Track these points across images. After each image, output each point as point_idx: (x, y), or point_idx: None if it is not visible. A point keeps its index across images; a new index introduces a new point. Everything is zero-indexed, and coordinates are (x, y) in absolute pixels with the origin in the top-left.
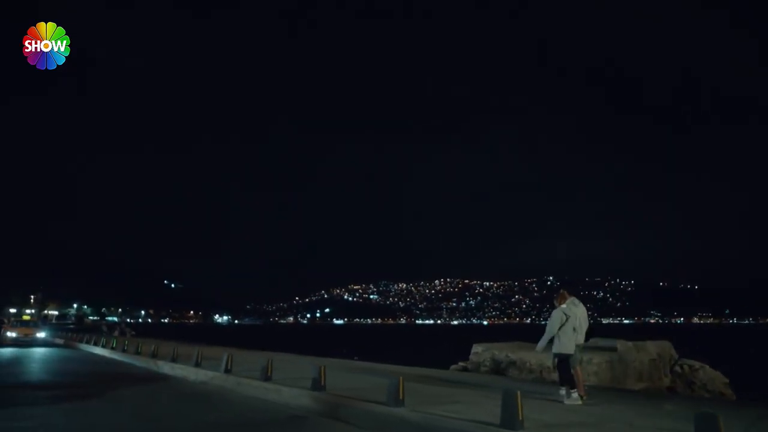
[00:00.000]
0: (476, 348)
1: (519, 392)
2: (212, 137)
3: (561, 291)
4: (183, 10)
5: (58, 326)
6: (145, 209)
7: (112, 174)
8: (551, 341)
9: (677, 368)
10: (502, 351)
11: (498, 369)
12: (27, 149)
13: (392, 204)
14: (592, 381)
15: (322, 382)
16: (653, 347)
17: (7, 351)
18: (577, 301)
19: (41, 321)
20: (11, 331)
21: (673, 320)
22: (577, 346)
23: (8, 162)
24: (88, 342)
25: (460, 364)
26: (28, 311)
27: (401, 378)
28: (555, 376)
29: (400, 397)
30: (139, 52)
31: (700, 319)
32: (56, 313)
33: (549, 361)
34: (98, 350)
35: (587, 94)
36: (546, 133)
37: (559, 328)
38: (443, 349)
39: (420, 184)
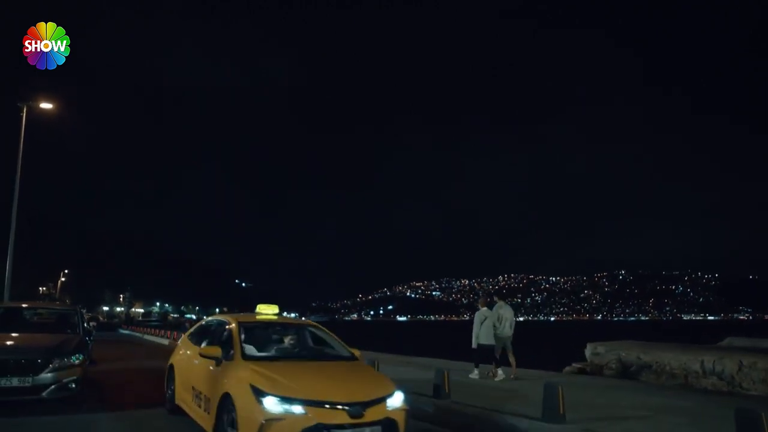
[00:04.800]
0: (596, 348)
1: (763, 415)
2: (272, 143)
3: (484, 296)
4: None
5: (144, 323)
6: (217, 210)
7: (184, 178)
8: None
9: None
10: (631, 351)
11: (627, 372)
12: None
13: (452, 201)
14: (760, 390)
15: (447, 389)
16: None
17: None
18: (503, 303)
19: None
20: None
21: (767, 317)
22: (501, 338)
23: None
24: None
25: (574, 365)
26: (119, 309)
27: (560, 387)
28: (699, 382)
29: (561, 411)
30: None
31: None
32: (141, 310)
33: (695, 365)
34: None
35: (661, 86)
36: (614, 126)
37: (481, 325)
38: (524, 347)
39: (480, 180)
